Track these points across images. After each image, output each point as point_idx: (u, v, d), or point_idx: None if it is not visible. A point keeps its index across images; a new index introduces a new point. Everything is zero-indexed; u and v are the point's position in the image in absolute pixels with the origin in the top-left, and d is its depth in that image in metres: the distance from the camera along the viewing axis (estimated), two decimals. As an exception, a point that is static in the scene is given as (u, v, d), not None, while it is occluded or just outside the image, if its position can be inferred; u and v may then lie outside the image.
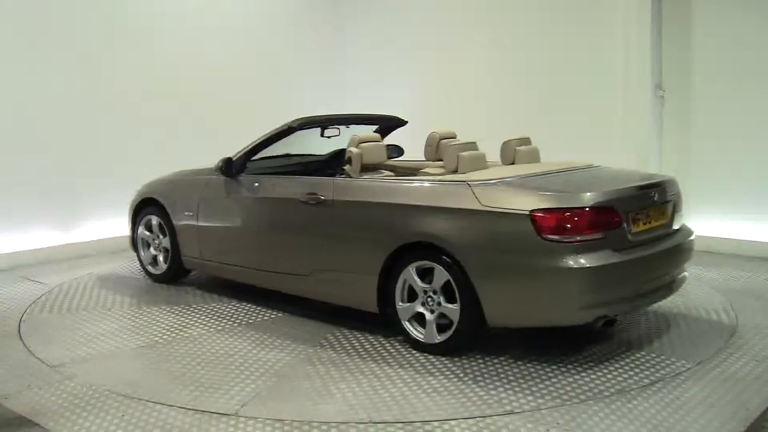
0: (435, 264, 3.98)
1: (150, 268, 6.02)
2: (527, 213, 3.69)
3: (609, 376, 3.70)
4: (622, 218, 3.83)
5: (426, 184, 4.31)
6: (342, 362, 3.98)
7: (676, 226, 4.34)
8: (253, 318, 4.89)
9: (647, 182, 4.22)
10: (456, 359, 3.95)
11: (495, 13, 8.54)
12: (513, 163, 4.89)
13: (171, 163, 7.96)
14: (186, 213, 5.61)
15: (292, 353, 4.15)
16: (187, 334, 4.54)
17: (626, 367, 3.82)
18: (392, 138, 6.20)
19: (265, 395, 3.53)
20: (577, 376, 3.69)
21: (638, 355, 4.00)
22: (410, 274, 4.10)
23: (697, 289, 5.45)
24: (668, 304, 5.02)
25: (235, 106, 8.68)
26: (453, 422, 3.17)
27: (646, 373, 3.73)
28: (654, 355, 4.00)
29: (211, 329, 4.64)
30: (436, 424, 3.16)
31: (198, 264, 5.63)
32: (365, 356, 4.06)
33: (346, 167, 4.84)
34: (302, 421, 3.21)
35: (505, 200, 3.83)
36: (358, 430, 3.13)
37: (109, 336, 4.53)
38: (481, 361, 3.94)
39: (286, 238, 4.87)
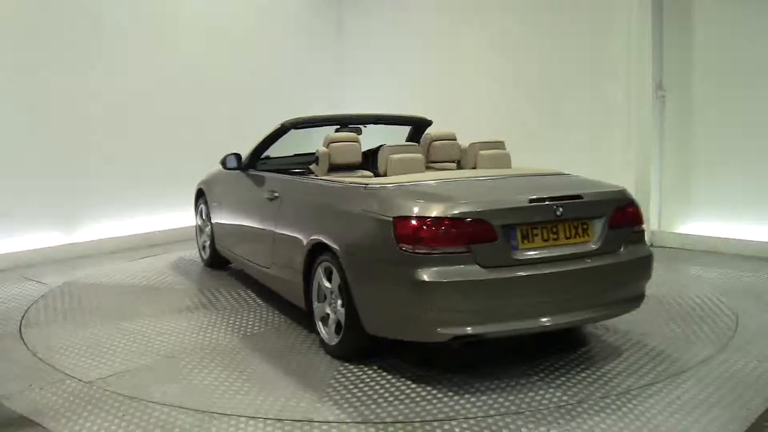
0: (333, 265, 3.94)
1: (201, 253, 6.63)
2: (391, 219, 3.54)
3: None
4: (498, 232, 3.48)
5: (332, 185, 4.34)
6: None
7: (612, 246, 3.79)
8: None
9: (546, 195, 3.70)
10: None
11: (495, 13, 8.54)
12: (474, 167, 4.85)
13: (171, 163, 8.00)
14: (214, 204, 6.20)
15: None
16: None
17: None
18: (389, 138, 6.16)
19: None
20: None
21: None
22: (319, 273, 4.10)
23: (698, 289, 5.45)
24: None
25: (235, 106, 8.68)
26: (453, 422, 3.17)
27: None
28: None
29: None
30: (436, 424, 3.16)
31: (221, 251, 6.09)
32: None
33: (312, 166, 4.91)
34: (303, 421, 3.21)
35: (383, 205, 3.68)
36: (359, 430, 3.13)
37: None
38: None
39: (257, 231, 5.10)
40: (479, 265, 3.45)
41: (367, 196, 3.89)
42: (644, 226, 4.08)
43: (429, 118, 6.01)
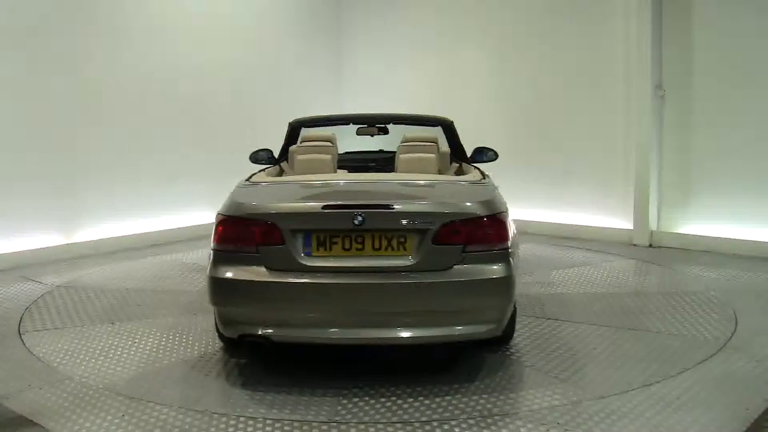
0: None
1: None
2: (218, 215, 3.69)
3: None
4: (286, 237, 3.45)
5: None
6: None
7: (437, 263, 3.46)
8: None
9: (344, 202, 3.58)
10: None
11: (495, 13, 8.56)
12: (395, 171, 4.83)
13: (171, 163, 8.01)
14: None
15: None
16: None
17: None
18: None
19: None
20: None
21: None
22: None
23: (697, 289, 5.46)
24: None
25: (235, 106, 8.69)
26: (453, 422, 3.17)
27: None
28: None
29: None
30: (436, 424, 3.16)
31: None
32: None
33: (283, 164, 4.99)
34: (303, 421, 3.21)
35: (234, 201, 3.73)
36: (359, 430, 3.13)
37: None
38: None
39: None
40: (266, 267, 3.47)
41: (241, 190, 4.00)
42: (503, 245, 3.55)
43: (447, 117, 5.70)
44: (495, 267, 3.49)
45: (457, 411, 3.29)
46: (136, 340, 4.44)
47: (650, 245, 7.29)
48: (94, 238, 7.34)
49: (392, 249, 3.48)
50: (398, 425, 3.16)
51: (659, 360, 3.91)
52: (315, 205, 3.58)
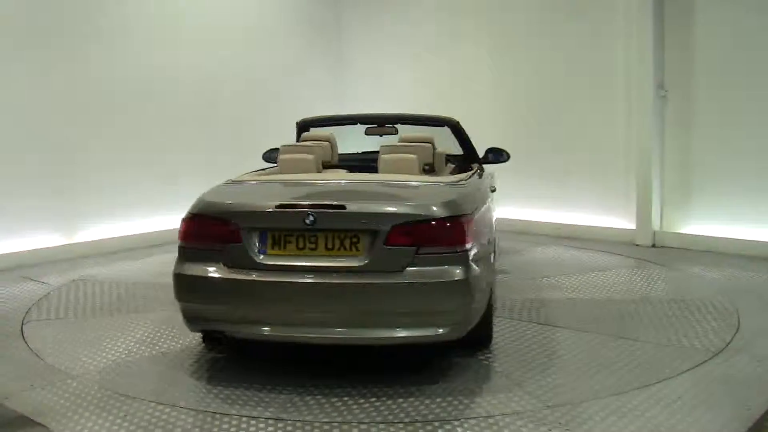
0: None
1: None
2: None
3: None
4: (243, 235, 3.52)
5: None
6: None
7: (388, 265, 3.43)
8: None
9: (297, 202, 3.63)
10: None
11: (495, 13, 8.55)
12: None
13: (171, 164, 8.01)
14: None
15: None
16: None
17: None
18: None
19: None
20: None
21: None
22: None
23: (699, 289, 5.45)
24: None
25: (235, 106, 8.69)
26: (455, 422, 3.17)
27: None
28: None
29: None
30: (437, 424, 3.16)
31: None
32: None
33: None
34: (304, 421, 3.21)
35: (199, 200, 3.84)
36: (360, 430, 3.13)
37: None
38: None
39: None
40: (224, 264, 3.56)
41: (219, 188, 4.16)
42: (460, 248, 3.47)
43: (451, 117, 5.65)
44: (450, 270, 3.43)
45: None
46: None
47: (653, 245, 7.28)
48: (95, 238, 7.35)
49: (345, 249, 3.50)
50: (399, 425, 3.16)
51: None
52: (269, 204, 3.63)
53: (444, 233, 3.49)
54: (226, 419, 3.25)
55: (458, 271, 3.44)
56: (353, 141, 6.13)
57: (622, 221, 7.60)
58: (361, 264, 3.45)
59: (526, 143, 8.22)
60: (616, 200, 7.64)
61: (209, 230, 3.63)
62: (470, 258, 3.51)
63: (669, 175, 7.29)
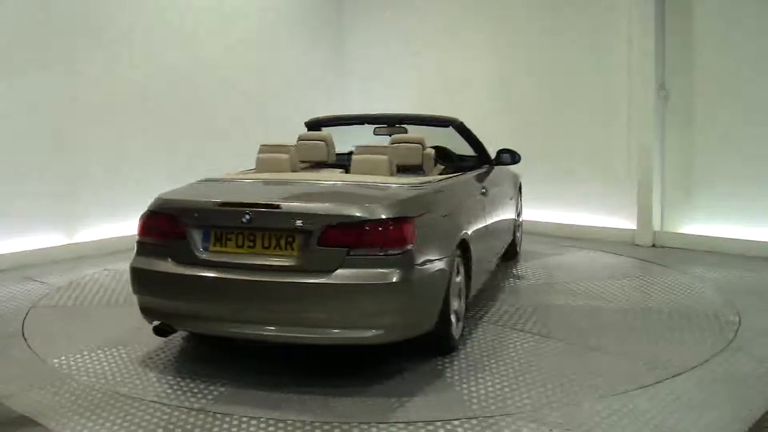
0: None
1: None
2: None
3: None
4: (188, 232, 3.68)
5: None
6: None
7: (320, 265, 3.45)
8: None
9: (237, 201, 3.70)
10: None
11: (496, 13, 8.55)
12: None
13: (171, 164, 8.00)
14: None
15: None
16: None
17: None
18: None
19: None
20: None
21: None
22: None
23: (700, 289, 5.45)
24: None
25: (235, 106, 8.69)
26: (456, 422, 3.17)
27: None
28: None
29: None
30: (438, 424, 3.16)
31: None
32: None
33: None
34: (304, 421, 3.21)
35: (157, 196, 4.02)
36: (361, 430, 3.13)
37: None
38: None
39: None
40: (172, 260, 3.73)
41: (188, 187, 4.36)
42: (397, 250, 3.45)
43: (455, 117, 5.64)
44: (382, 272, 3.43)
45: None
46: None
47: (653, 245, 7.28)
48: (96, 238, 7.34)
49: (280, 248, 3.56)
50: (401, 425, 3.16)
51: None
52: (212, 202, 3.76)
53: (380, 235, 3.47)
54: (227, 419, 3.25)
55: (391, 273, 3.43)
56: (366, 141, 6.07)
57: (623, 221, 7.60)
58: (294, 263, 3.51)
59: (527, 143, 8.18)
60: (617, 200, 7.64)
61: (161, 226, 3.81)
62: (415, 260, 3.51)
63: (669, 175, 7.29)
